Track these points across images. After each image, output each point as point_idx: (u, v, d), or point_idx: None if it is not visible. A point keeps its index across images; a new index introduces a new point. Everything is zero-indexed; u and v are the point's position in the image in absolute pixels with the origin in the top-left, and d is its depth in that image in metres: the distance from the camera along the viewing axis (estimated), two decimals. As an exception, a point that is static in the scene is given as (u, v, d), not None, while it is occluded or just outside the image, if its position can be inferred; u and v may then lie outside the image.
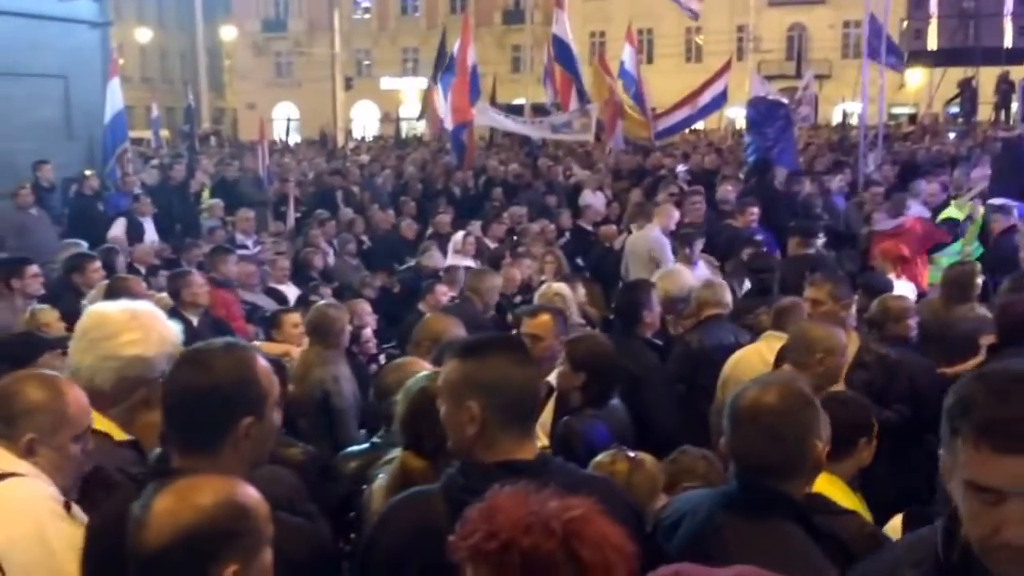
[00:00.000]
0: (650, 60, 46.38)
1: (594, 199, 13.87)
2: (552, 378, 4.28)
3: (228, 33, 54.66)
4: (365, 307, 6.92)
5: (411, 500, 2.36)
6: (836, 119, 38.07)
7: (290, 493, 2.63)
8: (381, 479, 2.95)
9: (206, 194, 14.99)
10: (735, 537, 2.30)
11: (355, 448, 3.86)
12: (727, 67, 18.40)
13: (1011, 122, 20.43)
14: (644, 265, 8.36)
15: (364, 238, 12.29)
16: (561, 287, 5.83)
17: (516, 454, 2.26)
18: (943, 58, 19.10)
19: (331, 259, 11.22)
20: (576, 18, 47.73)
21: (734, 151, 19.65)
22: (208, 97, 48.83)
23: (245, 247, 10.93)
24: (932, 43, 16.91)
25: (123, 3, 55.10)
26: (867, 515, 3.20)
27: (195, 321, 6.19)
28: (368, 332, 6.79)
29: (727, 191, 10.93)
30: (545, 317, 4.68)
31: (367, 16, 56.01)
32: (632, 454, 3.18)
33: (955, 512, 1.70)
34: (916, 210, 9.92)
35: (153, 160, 20.75)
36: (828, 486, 3.16)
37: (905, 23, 17.44)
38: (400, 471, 2.82)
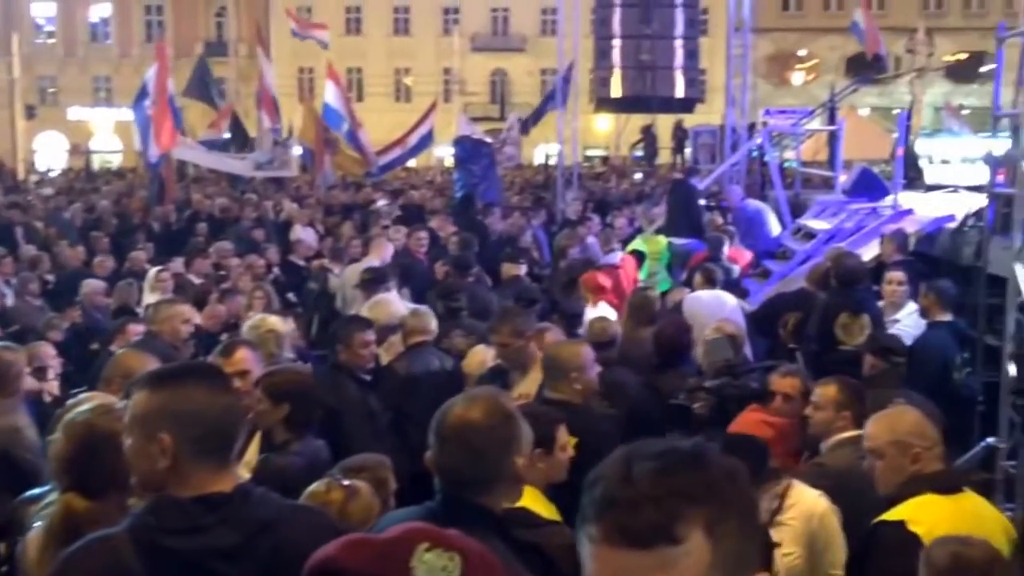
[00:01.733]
0: (360, 99, 46.67)
1: (305, 234, 13.69)
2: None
3: None
4: (47, 350, 6.34)
5: (92, 548, 2.13)
6: (539, 159, 40.24)
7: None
8: (38, 527, 2.67)
9: None
10: None
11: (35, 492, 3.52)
12: (433, 108, 19.03)
13: (684, 165, 22.58)
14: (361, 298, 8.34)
15: (49, 277, 11.35)
16: (274, 321, 5.67)
17: (213, 487, 2.15)
18: (625, 105, 20.83)
19: (10, 300, 10.27)
20: (284, 54, 47.43)
21: (443, 187, 20.23)
22: None
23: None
24: (616, 91, 18.42)
25: None
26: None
27: None
28: (51, 375, 6.23)
29: (438, 225, 11.22)
30: (242, 352, 4.55)
31: (52, 41, 52.02)
32: (347, 482, 3.13)
33: None
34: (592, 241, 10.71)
35: None
36: (530, 499, 3.30)
37: (592, 73, 19.04)
38: (62, 516, 2.57)
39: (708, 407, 4.75)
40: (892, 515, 3.25)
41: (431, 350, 5.68)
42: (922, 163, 16.75)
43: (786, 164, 16.51)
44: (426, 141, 18.70)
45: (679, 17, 18.01)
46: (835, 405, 4.25)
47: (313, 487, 3.11)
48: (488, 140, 15.59)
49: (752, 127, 16.99)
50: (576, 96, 18.68)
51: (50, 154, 48.64)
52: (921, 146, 18.80)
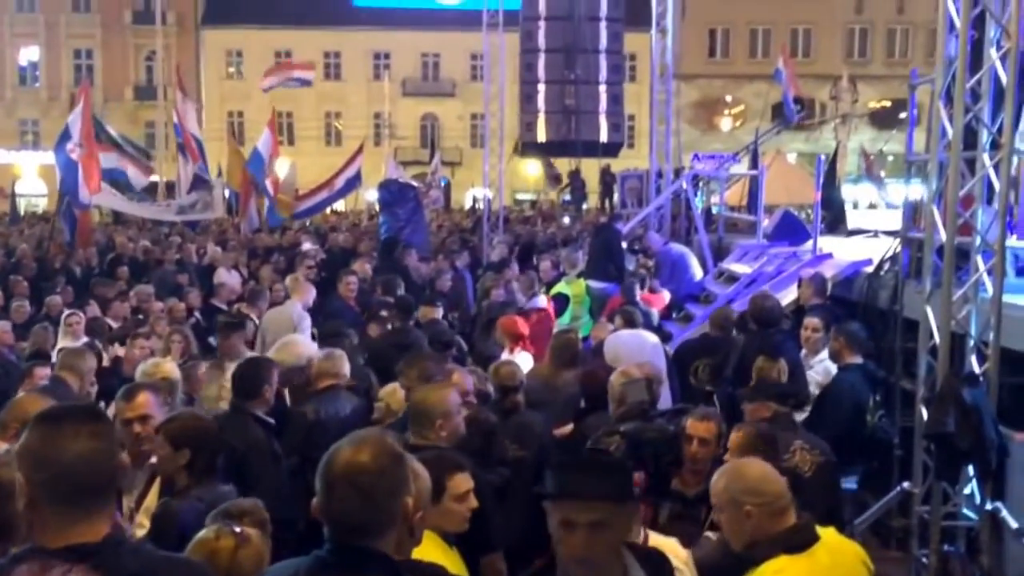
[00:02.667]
0: (291, 142, 46.51)
1: (228, 277, 13.51)
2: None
3: None
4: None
5: None
6: (468, 203, 40.48)
7: None
8: None
9: None
10: None
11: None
12: (360, 151, 19.07)
13: (612, 209, 22.84)
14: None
15: (-38, 321, 11.02)
16: (169, 368, 5.57)
17: (79, 537, 2.08)
18: (550, 149, 21.05)
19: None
20: (213, 96, 47.16)
21: (370, 231, 20.21)
22: None
23: None
24: (541, 135, 18.64)
25: None
26: (459, 566, 3.33)
27: None
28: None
29: (359, 268, 11.18)
30: (143, 396, 4.47)
31: (-23, 84, 51.03)
32: (238, 529, 3.04)
33: None
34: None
35: None
36: (429, 548, 3.27)
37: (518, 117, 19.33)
38: None
39: (621, 450, 4.76)
40: None
41: (342, 394, 5.62)
42: (848, 208, 17.14)
43: (713, 209, 16.83)
44: (352, 183, 18.71)
45: (603, 63, 18.33)
46: (742, 451, 4.24)
47: (201, 534, 3.00)
48: (414, 184, 15.64)
49: (679, 172, 17.32)
50: (502, 141, 18.89)
51: (-30, 198, 47.46)
52: (847, 191, 19.25)
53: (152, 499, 4.05)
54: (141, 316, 10.80)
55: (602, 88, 18.37)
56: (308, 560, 2.38)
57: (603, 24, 18.36)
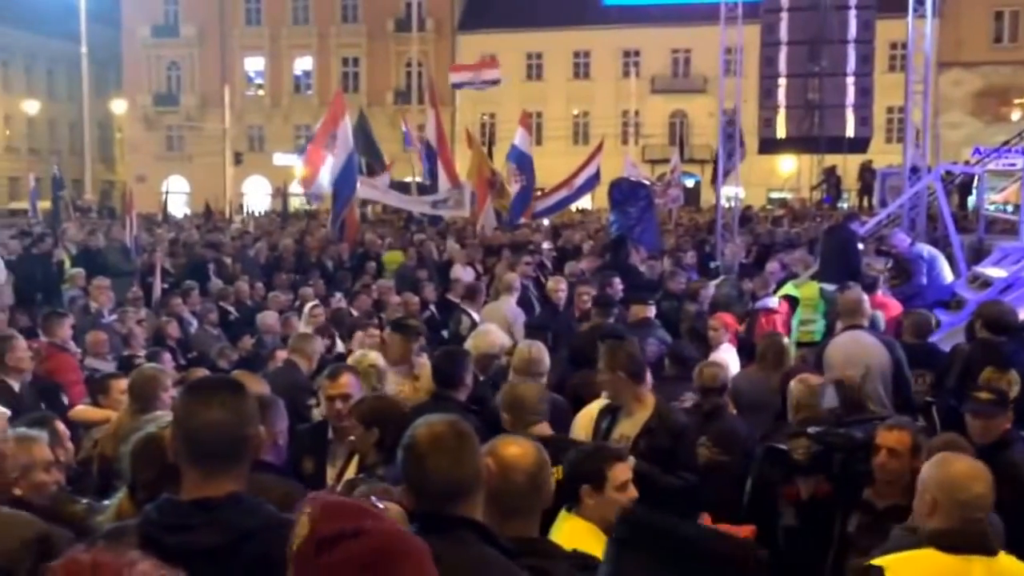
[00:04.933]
0: (539, 142, 47.59)
1: (464, 273, 14.11)
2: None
3: (119, 106, 53.99)
4: (199, 372, 6.89)
5: (108, 536, 2.42)
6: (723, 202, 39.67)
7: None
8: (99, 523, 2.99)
9: (68, 263, 14.74)
10: None
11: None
12: (599, 150, 19.18)
13: (871, 209, 21.68)
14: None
15: (231, 308, 12.24)
16: (375, 356, 5.95)
17: (206, 492, 2.35)
18: (790, 146, 20.24)
19: (194, 329, 11.15)
20: (466, 100, 49.12)
21: (603, 229, 20.36)
22: (98, 169, 47.89)
23: (101, 315, 10.81)
24: (781, 131, 17.97)
25: (11, 74, 54.28)
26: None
27: (16, 387, 6.07)
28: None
29: (574, 265, 11.33)
30: (346, 376, 4.82)
31: (260, 92, 56.07)
32: (381, 505, 3.23)
33: None
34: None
35: (27, 234, 20.27)
36: (584, 534, 3.34)
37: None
38: (114, 516, 2.87)
39: (808, 454, 4.60)
40: None
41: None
42: None
43: (993, 208, 15.54)
44: (592, 182, 18.88)
45: (851, 53, 17.42)
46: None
47: None
48: (646, 182, 15.60)
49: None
50: (737, 139, 18.44)
51: (256, 197, 52.25)
52: None
53: (351, 473, 4.36)
54: (380, 308, 11.55)
55: (850, 80, 17.47)
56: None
57: (852, 12, 17.46)
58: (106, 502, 3.18)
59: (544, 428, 4.43)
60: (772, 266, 11.27)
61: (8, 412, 3.37)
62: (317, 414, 5.54)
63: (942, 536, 3.13)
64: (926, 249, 11.98)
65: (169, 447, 2.43)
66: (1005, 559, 3.14)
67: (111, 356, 8.90)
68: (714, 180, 21.32)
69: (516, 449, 2.81)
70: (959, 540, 3.10)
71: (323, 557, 1.78)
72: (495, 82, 23.23)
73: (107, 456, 4.76)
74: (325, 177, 17.42)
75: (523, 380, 5.22)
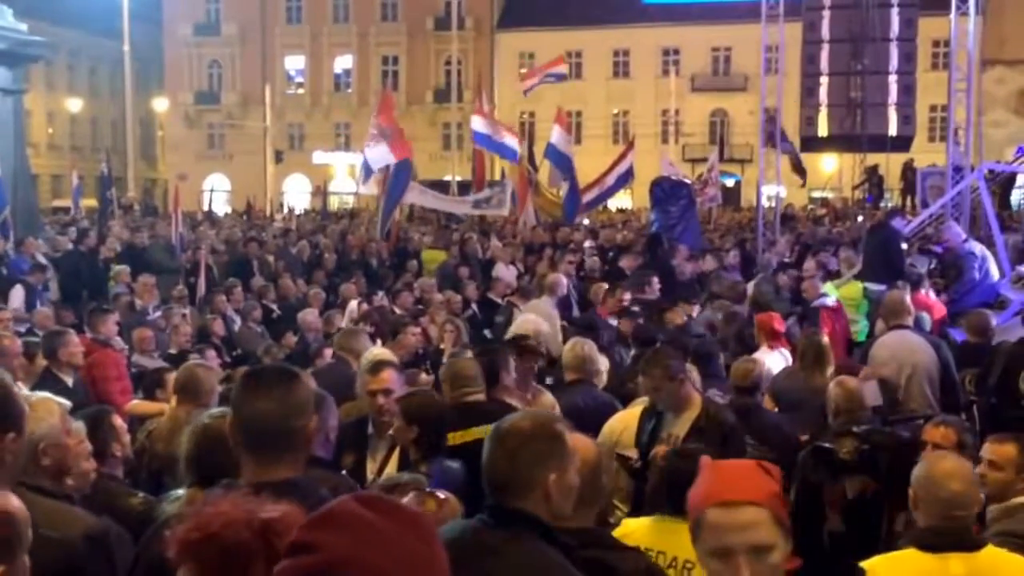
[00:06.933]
0: (578, 141, 47.53)
1: (506, 272, 14.15)
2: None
3: (161, 104, 54.72)
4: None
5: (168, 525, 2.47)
6: (765, 201, 39.42)
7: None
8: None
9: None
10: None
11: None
12: (630, 147, 19.16)
13: (913, 209, 21.41)
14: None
15: (274, 306, 12.37)
16: (383, 353, 6.02)
17: (264, 477, 2.43)
18: (832, 144, 20.06)
19: (238, 326, 11.29)
20: (505, 99, 49.19)
21: (645, 228, 20.32)
22: (139, 167, 48.60)
23: (147, 312, 10.97)
24: (823, 130, 17.81)
25: (54, 73, 55.14)
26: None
27: (70, 381, 6.21)
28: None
29: (627, 264, 11.35)
30: (388, 372, 4.87)
31: (300, 91, 56.55)
32: (442, 495, 3.29)
33: None
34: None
35: (71, 227, 20.62)
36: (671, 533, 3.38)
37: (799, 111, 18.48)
38: (186, 505, 2.94)
39: (855, 452, 4.59)
40: None
41: (591, 390, 5.71)
42: None
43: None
44: (624, 179, 18.85)
45: (894, 51, 17.23)
46: (1015, 466, 3.92)
47: (408, 497, 3.29)
48: (687, 181, 15.56)
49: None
50: (778, 137, 18.32)
51: (296, 195, 52.71)
52: None
53: (392, 468, 4.43)
54: (420, 307, 11.62)
55: (892, 78, 17.29)
56: (473, 521, 2.60)
57: (895, 10, 17.27)
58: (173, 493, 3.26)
59: (480, 396, 4.84)
60: (808, 264, 11.19)
61: (69, 404, 3.43)
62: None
63: (922, 535, 3.19)
64: (978, 247, 11.84)
65: (228, 434, 2.51)
66: (989, 553, 3.15)
67: (156, 353, 9.05)
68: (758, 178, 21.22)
69: (578, 442, 2.83)
70: (936, 539, 3.14)
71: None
72: (562, 77, 23.38)
73: (158, 451, 4.88)
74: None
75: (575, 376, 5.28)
